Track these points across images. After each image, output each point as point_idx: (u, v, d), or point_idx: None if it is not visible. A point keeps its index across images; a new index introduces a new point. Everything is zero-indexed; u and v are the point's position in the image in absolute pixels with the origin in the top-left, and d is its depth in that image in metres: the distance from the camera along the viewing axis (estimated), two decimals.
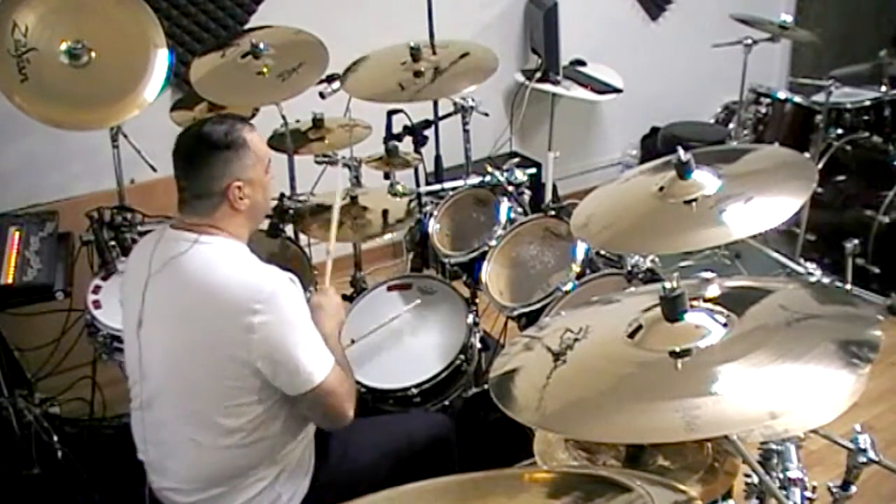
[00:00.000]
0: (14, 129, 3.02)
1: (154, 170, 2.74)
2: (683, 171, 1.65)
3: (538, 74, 4.06)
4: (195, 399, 1.78)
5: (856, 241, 2.11)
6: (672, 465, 1.56)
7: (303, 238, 2.85)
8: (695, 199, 1.63)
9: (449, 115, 3.08)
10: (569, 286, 2.25)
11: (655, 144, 4.49)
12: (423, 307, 2.49)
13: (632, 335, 1.32)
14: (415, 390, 2.27)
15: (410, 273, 3.03)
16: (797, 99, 3.68)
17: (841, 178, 3.57)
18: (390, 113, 3.02)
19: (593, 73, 4.19)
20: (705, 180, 1.65)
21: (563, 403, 1.27)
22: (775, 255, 2.09)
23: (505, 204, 2.60)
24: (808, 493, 1.61)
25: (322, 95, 2.87)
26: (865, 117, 3.66)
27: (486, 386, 2.43)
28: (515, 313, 2.36)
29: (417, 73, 2.67)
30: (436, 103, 3.18)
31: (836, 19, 4.84)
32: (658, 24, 4.67)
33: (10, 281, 2.46)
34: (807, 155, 3.22)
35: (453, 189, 2.76)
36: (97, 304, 2.43)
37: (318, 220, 2.78)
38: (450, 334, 2.41)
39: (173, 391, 1.81)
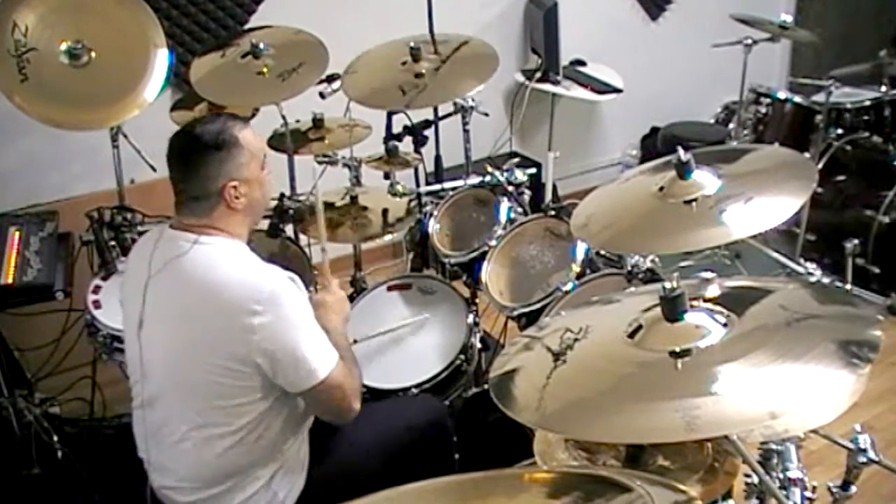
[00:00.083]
0: (14, 129, 3.02)
1: (154, 170, 2.74)
2: (683, 171, 1.65)
3: (538, 74, 4.06)
4: (196, 399, 1.79)
5: (856, 241, 2.11)
6: (672, 465, 1.56)
7: (303, 238, 2.85)
8: (695, 199, 1.63)
9: (449, 115, 3.08)
10: (569, 286, 2.25)
11: (655, 144, 4.49)
12: (424, 309, 2.49)
13: (632, 335, 1.32)
14: (415, 390, 2.27)
15: (410, 273, 3.03)
16: (797, 99, 3.68)
17: (841, 178, 3.57)
18: (390, 113, 3.02)
19: (593, 73, 4.19)
20: (705, 180, 1.65)
21: (563, 403, 1.27)
22: (775, 255, 2.09)
23: (505, 204, 2.60)
24: (808, 493, 1.61)
25: (322, 95, 2.87)
26: (865, 117, 3.66)
27: (486, 386, 2.43)
28: (515, 313, 2.36)
29: (418, 75, 2.66)
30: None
31: (836, 19, 4.84)
32: (658, 24, 4.67)
33: (10, 281, 2.46)
34: (807, 155, 3.21)
35: (453, 189, 2.76)
36: (97, 304, 2.43)
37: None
38: (450, 334, 2.41)
39: (174, 391, 1.82)
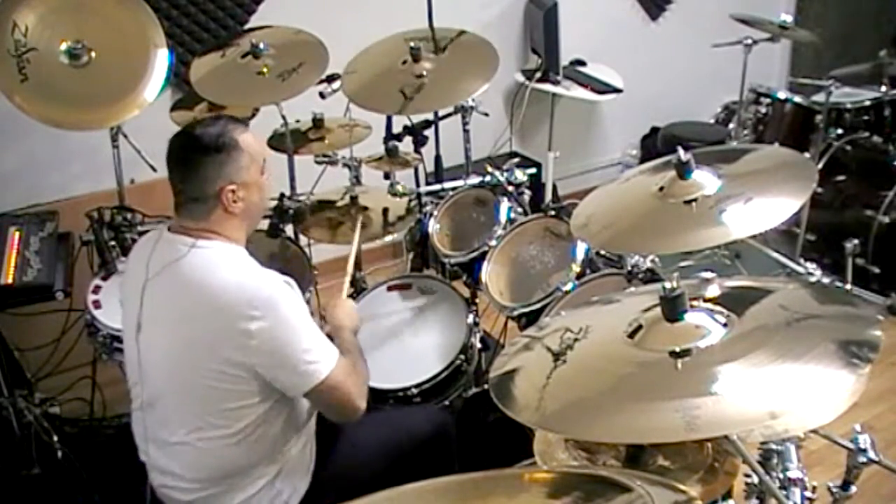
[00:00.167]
0: (14, 129, 3.02)
1: (154, 170, 2.74)
2: (683, 171, 1.65)
3: (538, 74, 4.06)
4: (195, 401, 1.79)
5: (856, 241, 2.11)
6: (672, 465, 1.56)
7: (303, 238, 2.85)
8: (695, 199, 1.63)
9: (449, 115, 3.08)
10: (569, 286, 2.25)
11: (655, 144, 4.49)
12: (423, 307, 2.49)
13: (632, 335, 1.32)
14: (415, 390, 2.27)
15: (410, 273, 3.03)
16: (797, 99, 3.68)
17: (841, 178, 3.57)
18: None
19: (593, 73, 4.19)
20: (705, 180, 1.65)
21: (563, 403, 1.27)
22: (775, 255, 2.09)
23: (505, 204, 2.60)
24: (808, 493, 1.61)
25: (322, 95, 2.87)
26: (865, 117, 3.66)
27: (486, 386, 2.42)
28: (515, 313, 2.36)
29: (419, 76, 2.66)
30: None
31: (836, 19, 4.84)
32: (658, 24, 4.66)
33: (10, 281, 2.46)
34: (807, 155, 3.22)
35: (453, 189, 2.76)
36: (97, 304, 2.43)
37: (318, 219, 2.79)
38: (450, 334, 2.41)
39: (173, 394, 1.81)
